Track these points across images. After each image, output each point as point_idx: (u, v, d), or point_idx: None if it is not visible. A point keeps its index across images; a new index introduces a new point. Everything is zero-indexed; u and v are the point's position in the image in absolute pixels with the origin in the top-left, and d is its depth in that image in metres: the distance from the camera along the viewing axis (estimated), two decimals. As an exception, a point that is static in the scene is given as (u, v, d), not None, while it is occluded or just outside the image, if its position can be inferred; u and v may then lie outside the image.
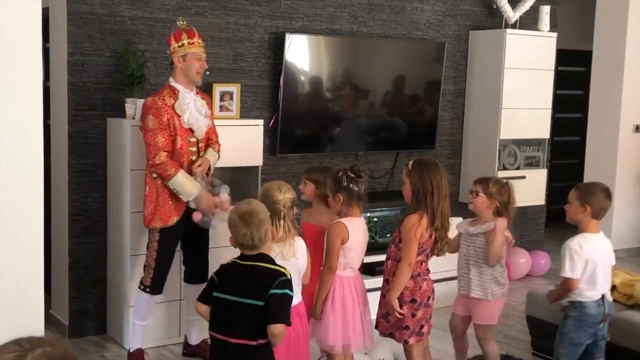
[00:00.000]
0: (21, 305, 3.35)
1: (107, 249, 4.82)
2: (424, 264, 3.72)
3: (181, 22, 4.27)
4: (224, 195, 4.28)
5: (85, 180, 4.75)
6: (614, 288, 4.41)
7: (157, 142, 4.10)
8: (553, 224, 7.84)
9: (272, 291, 2.78)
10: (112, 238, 4.77)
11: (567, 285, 3.72)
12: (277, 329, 2.79)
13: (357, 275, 3.78)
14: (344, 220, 3.64)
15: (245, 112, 5.19)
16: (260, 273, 2.85)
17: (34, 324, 3.39)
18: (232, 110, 5.01)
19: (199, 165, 4.24)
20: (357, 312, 3.69)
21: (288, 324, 2.86)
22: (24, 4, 3.25)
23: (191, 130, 4.23)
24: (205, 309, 2.95)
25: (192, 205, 4.20)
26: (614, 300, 4.37)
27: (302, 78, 5.40)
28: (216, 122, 4.86)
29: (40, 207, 3.38)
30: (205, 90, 4.99)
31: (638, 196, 7.43)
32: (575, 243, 3.70)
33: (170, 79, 4.27)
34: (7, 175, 3.26)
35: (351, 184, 3.64)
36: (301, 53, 5.33)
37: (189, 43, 4.20)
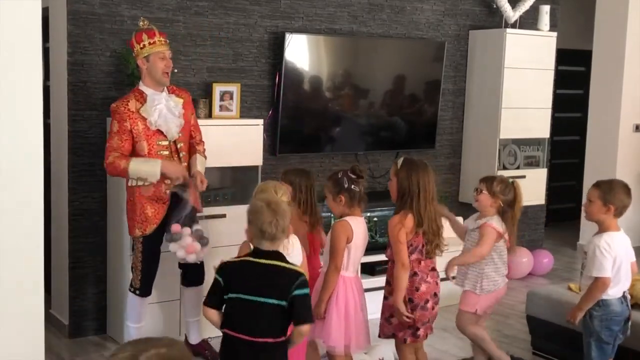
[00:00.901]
0: (21, 305, 3.35)
1: (107, 249, 4.82)
2: (422, 262, 3.69)
3: (142, 23, 4.21)
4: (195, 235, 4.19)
5: (85, 180, 4.75)
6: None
7: (111, 144, 4.08)
8: (552, 224, 7.85)
9: (296, 292, 2.78)
10: (112, 238, 4.77)
11: (599, 285, 3.64)
12: (304, 328, 2.83)
13: (357, 276, 3.78)
14: (348, 219, 3.64)
15: (245, 112, 5.19)
16: (279, 272, 2.84)
17: (34, 324, 3.39)
18: (232, 110, 5.01)
19: (202, 182, 4.23)
20: (358, 312, 3.69)
21: (312, 322, 2.90)
22: (24, 4, 3.25)
23: (160, 132, 4.16)
24: (214, 313, 2.90)
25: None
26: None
27: (302, 78, 5.40)
28: (216, 122, 4.88)
29: (40, 207, 3.38)
30: (206, 89, 5.00)
31: (638, 196, 7.42)
32: (603, 242, 3.66)
33: (140, 83, 4.22)
34: (7, 175, 3.26)
35: (352, 185, 3.64)
36: (301, 53, 5.33)
37: (149, 43, 4.13)
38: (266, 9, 5.25)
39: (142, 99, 4.15)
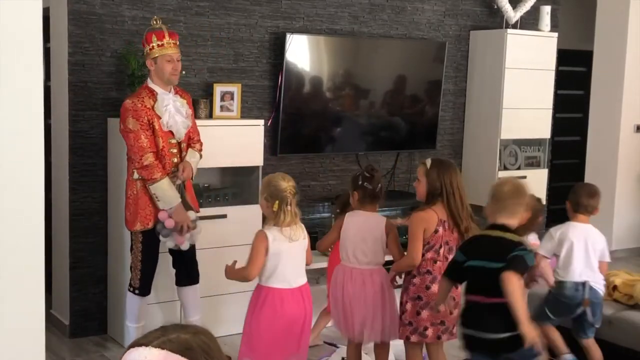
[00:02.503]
0: (22, 305, 3.35)
1: (108, 249, 4.82)
2: (438, 262, 3.70)
3: (155, 22, 4.20)
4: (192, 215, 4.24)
5: (85, 180, 4.75)
6: (615, 288, 4.42)
7: (141, 143, 4.05)
8: (553, 224, 7.83)
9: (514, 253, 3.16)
10: (112, 238, 4.77)
11: (538, 260, 4.05)
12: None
13: (360, 267, 3.84)
14: (349, 214, 3.88)
15: (246, 112, 5.19)
16: (504, 241, 3.21)
17: (34, 324, 3.39)
18: (232, 111, 5.01)
19: (183, 171, 4.20)
20: (378, 304, 3.79)
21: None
22: (24, 4, 3.25)
23: (171, 132, 4.18)
24: (448, 283, 3.42)
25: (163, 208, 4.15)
26: (615, 300, 4.38)
27: (303, 78, 5.40)
28: (217, 122, 4.88)
29: (41, 207, 3.38)
30: (206, 89, 5.01)
31: (638, 196, 7.42)
32: (557, 227, 4.21)
33: (148, 80, 4.23)
34: (7, 175, 3.26)
35: (365, 183, 3.80)
36: (302, 53, 5.33)
37: (158, 45, 4.13)
38: (267, 9, 5.26)
39: (154, 96, 4.15)
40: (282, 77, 5.22)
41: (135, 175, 4.16)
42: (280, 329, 3.54)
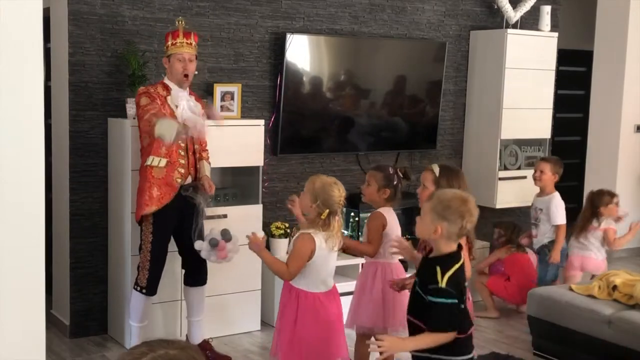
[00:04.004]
0: (22, 305, 3.36)
1: (108, 249, 4.82)
2: None
3: (178, 22, 4.30)
4: (231, 244, 4.19)
5: (85, 180, 4.75)
6: (615, 288, 4.41)
7: (147, 108, 4.08)
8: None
9: None
10: (112, 238, 4.78)
11: (563, 229, 5.23)
12: None
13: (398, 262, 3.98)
14: (381, 210, 3.92)
15: (246, 112, 5.19)
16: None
17: (35, 324, 3.40)
18: (233, 111, 5.01)
19: (210, 189, 4.28)
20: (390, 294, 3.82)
21: None
22: (25, 5, 3.26)
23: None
24: None
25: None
26: (615, 300, 4.38)
27: (303, 78, 5.40)
28: (217, 122, 4.87)
29: (41, 207, 3.38)
30: (207, 89, 5.01)
31: (638, 196, 7.42)
32: (558, 199, 5.27)
33: (165, 77, 4.35)
34: (8, 175, 3.26)
35: (399, 184, 3.94)
36: (302, 53, 5.33)
37: (172, 44, 4.23)
38: (267, 9, 5.26)
39: (167, 90, 4.26)
40: (282, 77, 5.22)
41: (148, 162, 4.19)
42: (326, 332, 3.51)
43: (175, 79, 4.26)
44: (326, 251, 3.46)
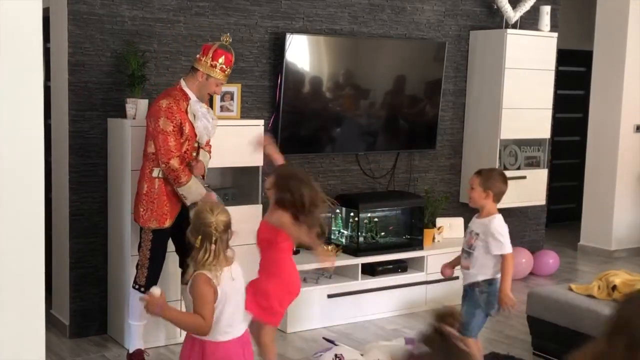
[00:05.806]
0: (22, 305, 3.35)
1: (108, 249, 4.82)
2: None
3: (226, 39, 4.30)
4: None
5: (85, 180, 4.75)
6: (614, 288, 4.42)
7: (169, 146, 4.14)
8: (553, 224, 7.84)
9: None
10: (112, 238, 4.78)
11: (511, 260, 4.00)
12: None
13: None
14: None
15: (246, 113, 5.19)
16: None
17: (35, 324, 3.39)
18: (232, 111, 5.01)
19: (196, 167, 4.31)
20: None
21: None
22: (24, 4, 3.25)
23: (196, 135, 4.29)
24: None
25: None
26: (615, 300, 4.38)
27: (303, 78, 5.40)
28: (217, 122, 4.88)
29: (41, 207, 3.38)
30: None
31: (638, 196, 7.43)
32: (499, 223, 4.01)
33: (183, 82, 4.30)
34: (7, 175, 3.26)
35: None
36: (302, 53, 5.33)
37: (220, 68, 4.25)
38: (267, 9, 5.26)
39: (186, 100, 4.25)
40: (282, 77, 5.22)
41: (155, 173, 4.22)
42: None
43: (200, 93, 4.28)
44: (227, 285, 2.99)
